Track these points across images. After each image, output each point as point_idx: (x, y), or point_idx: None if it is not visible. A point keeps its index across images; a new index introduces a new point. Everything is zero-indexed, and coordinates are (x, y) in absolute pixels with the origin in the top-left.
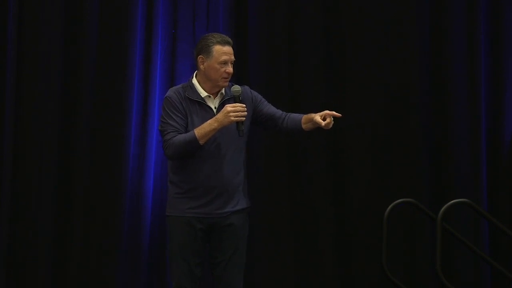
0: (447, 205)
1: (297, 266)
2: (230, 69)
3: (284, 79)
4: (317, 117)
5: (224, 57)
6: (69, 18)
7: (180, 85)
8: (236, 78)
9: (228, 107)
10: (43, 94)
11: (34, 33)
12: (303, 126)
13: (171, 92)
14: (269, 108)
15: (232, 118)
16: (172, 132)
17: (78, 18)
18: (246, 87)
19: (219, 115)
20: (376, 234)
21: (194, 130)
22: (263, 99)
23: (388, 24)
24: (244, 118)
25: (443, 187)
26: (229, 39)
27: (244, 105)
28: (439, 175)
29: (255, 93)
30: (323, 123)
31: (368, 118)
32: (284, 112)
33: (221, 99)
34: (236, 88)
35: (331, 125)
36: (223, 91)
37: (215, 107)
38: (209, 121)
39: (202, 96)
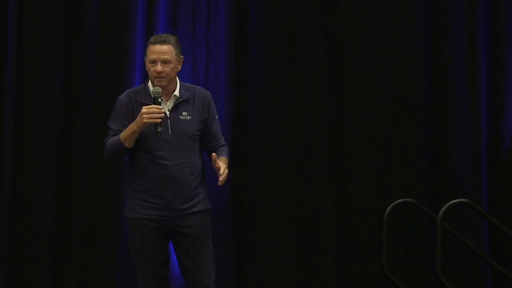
0: (447, 205)
1: (297, 266)
2: (158, 68)
3: (284, 79)
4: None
5: (152, 56)
6: (69, 18)
7: (136, 87)
8: (236, 77)
9: (144, 108)
10: (43, 94)
11: (34, 33)
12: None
13: (123, 95)
14: (215, 132)
15: (145, 120)
16: (109, 135)
17: (78, 18)
18: (208, 94)
19: (137, 117)
20: (376, 234)
21: (122, 132)
22: (215, 118)
23: (388, 24)
24: (160, 120)
25: (443, 187)
26: (166, 38)
27: (160, 107)
28: (439, 175)
29: (212, 106)
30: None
31: (368, 118)
32: (220, 144)
33: (175, 101)
34: (157, 89)
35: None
36: (176, 93)
37: (168, 110)
38: (131, 124)
39: None
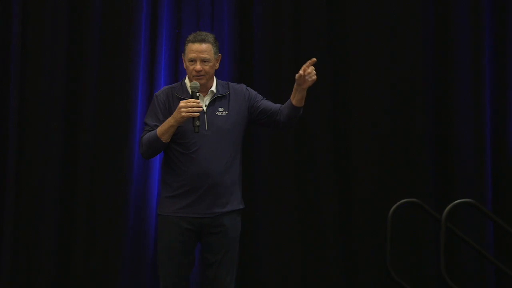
0: (451, 205)
1: (303, 269)
2: (197, 66)
3: (288, 78)
4: (298, 76)
5: (192, 55)
6: (72, 18)
7: (173, 84)
8: (240, 76)
9: (182, 102)
10: (46, 95)
11: (38, 33)
12: (294, 102)
13: (160, 91)
14: (266, 104)
15: (183, 114)
16: (146, 131)
17: (82, 18)
18: (242, 85)
19: (175, 112)
20: (380, 235)
21: (158, 128)
22: (259, 96)
23: (393, 22)
24: (198, 114)
25: (447, 187)
26: (203, 37)
27: (198, 101)
28: (443, 174)
29: (251, 91)
30: (301, 73)
31: (373, 118)
32: (279, 104)
33: (212, 97)
34: (194, 84)
35: (312, 75)
36: (213, 88)
37: (205, 105)
38: (168, 118)
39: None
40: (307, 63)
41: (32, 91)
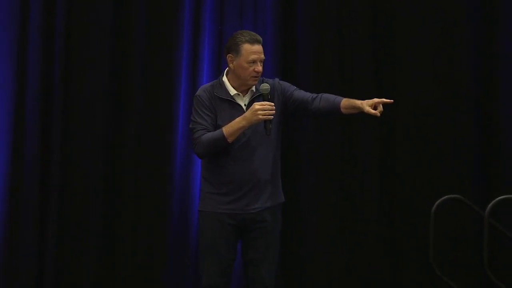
0: (495, 201)
1: (347, 266)
2: (259, 67)
3: (333, 77)
4: (368, 108)
5: (253, 56)
6: (116, 17)
7: (210, 83)
8: (283, 69)
9: (257, 105)
10: (90, 97)
11: (81, 39)
12: (343, 110)
13: (200, 90)
14: (299, 93)
15: (260, 117)
16: (201, 130)
17: (125, 18)
18: (276, 80)
19: (248, 113)
20: (424, 231)
21: (223, 128)
22: (292, 86)
23: (440, 19)
24: (272, 116)
25: (490, 183)
26: (259, 38)
27: (273, 104)
28: (486, 171)
29: (284, 84)
30: (378, 113)
31: (417, 115)
32: (315, 94)
33: (251, 97)
34: (265, 86)
35: (379, 113)
36: (253, 88)
37: (244, 105)
38: (237, 119)
39: (232, 94)
40: (382, 101)
41: (76, 91)
